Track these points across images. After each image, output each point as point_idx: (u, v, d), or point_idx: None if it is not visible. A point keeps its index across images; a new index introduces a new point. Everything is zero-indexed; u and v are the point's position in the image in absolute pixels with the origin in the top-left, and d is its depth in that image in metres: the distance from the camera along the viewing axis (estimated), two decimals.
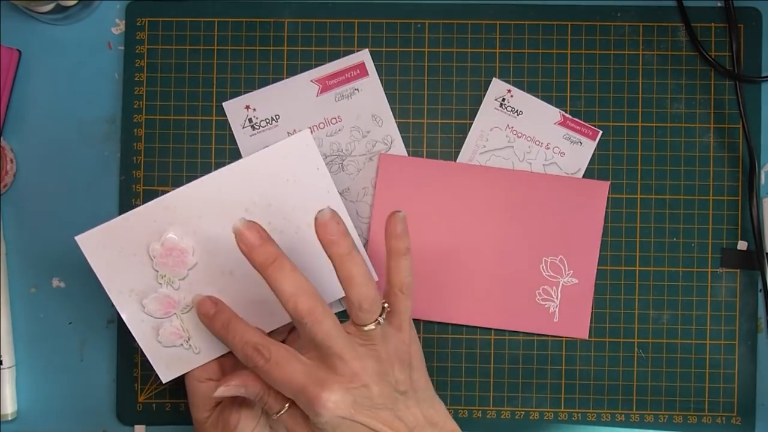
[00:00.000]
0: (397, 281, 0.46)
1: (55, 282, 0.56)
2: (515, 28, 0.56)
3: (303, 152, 0.50)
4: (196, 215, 0.49)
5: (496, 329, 0.56)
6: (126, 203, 0.56)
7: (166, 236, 0.49)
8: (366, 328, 0.44)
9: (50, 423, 0.56)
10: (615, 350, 0.55)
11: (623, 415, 0.55)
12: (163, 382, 0.50)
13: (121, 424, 0.56)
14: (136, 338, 0.50)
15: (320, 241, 0.44)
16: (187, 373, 0.51)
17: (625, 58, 0.56)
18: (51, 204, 0.56)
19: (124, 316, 0.49)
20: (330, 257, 0.44)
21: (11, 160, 0.56)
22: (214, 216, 0.49)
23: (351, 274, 0.43)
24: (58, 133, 0.57)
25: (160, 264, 0.49)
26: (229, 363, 0.51)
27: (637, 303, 0.56)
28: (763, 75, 0.56)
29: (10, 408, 0.55)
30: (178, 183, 0.56)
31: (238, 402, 0.48)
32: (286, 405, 0.46)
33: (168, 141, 0.56)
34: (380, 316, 0.45)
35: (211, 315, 0.48)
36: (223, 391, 0.45)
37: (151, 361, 0.50)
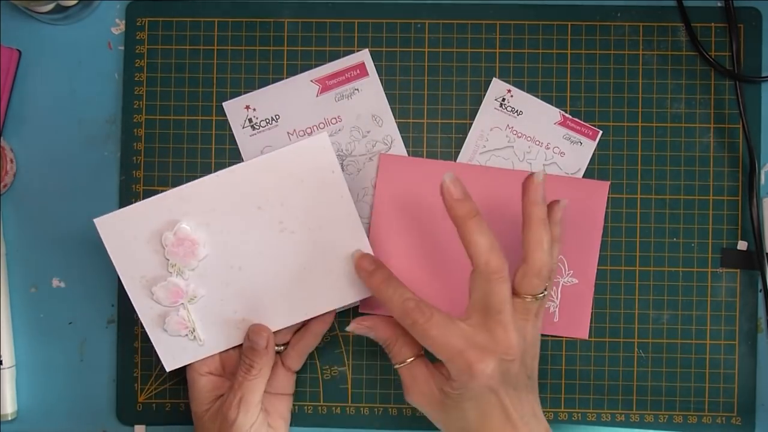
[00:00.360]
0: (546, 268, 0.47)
1: (55, 282, 0.57)
2: (515, 28, 0.56)
3: (319, 154, 0.50)
4: (210, 208, 0.50)
5: None
6: (126, 203, 0.56)
7: (179, 226, 0.50)
8: (528, 299, 0.46)
9: (50, 423, 0.56)
10: (615, 350, 0.55)
11: (623, 415, 0.55)
12: (167, 370, 0.51)
13: (121, 424, 0.56)
14: (143, 323, 0.51)
15: (525, 199, 0.46)
16: (188, 366, 0.52)
17: (625, 58, 0.56)
18: (51, 204, 0.56)
19: (133, 301, 0.50)
20: (527, 217, 0.46)
21: (11, 160, 0.56)
22: (227, 210, 0.50)
23: (541, 239, 0.45)
24: (58, 133, 0.57)
25: (171, 253, 0.50)
26: (231, 360, 0.52)
27: (637, 303, 0.56)
28: (763, 75, 0.56)
29: (10, 408, 0.55)
30: (178, 183, 0.56)
31: (238, 397, 0.49)
32: (410, 359, 0.48)
33: (168, 141, 0.56)
34: (544, 291, 0.46)
35: (370, 270, 0.49)
36: (353, 327, 0.49)
37: (156, 349, 0.51)
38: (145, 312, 0.51)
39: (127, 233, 0.50)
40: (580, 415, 0.56)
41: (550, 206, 0.48)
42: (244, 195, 0.50)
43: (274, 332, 0.51)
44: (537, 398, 0.48)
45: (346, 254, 0.51)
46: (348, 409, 0.56)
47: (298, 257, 0.51)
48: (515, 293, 0.46)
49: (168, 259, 0.50)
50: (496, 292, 0.45)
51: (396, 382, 0.56)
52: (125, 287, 0.50)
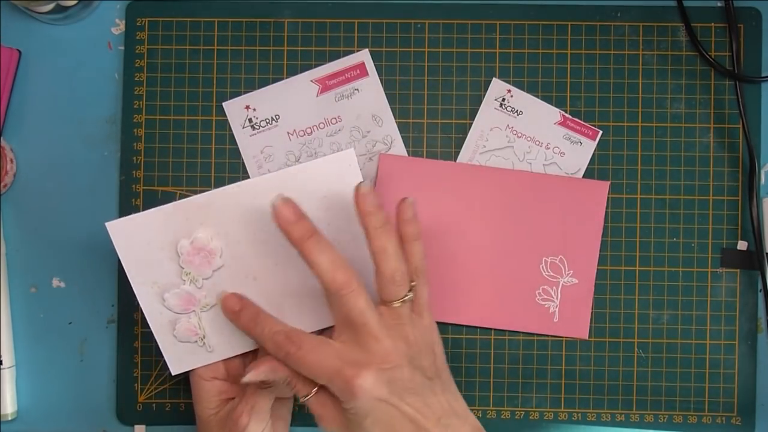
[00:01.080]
0: (411, 267, 0.47)
1: (55, 282, 0.57)
2: (515, 28, 0.56)
3: (344, 171, 0.50)
4: (228, 218, 0.49)
5: (496, 329, 0.56)
6: (126, 203, 0.56)
7: (196, 235, 0.49)
8: (396, 305, 0.45)
9: (50, 423, 0.56)
10: (615, 350, 0.55)
11: (623, 415, 0.55)
12: (173, 374, 0.51)
13: (121, 424, 0.56)
14: (152, 329, 0.50)
15: (357, 212, 0.46)
16: (193, 371, 0.51)
17: (625, 58, 0.56)
18: (51, 204, 0.56)
19: (143, 306, 0.50)
20: (364, 228, 0.46)
21: (11, 160, 0.56)
22: (246, 222, 0.49)
23: (384, 247, 0.45)
24: (58, 133, 0.57)
25: (186, 262, 0.49)
26: (234, 365, 0.52)
27: (637, 303, 0.56)
28: (763, 75, 0.56)
29: (10, 408, 0.55)
30: (178, 183, 0.56)
31: (251, 405, 0.48)
32: (314, 390, 0.46)
33: (168, 141, 0.56)
34: (408, 293, 0.46)
35: (236, 310, 0.49)
36: (252, 376, 0.46)
37: (163, 353, 0.51)
38: (155, 317, 0.50)
39: (141, 239, 0.49)
40: (580, 415, 0.56)
41: (397, 206, 0.48)
42: (264, 207, 0.49)
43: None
44: (455, 396, 0.47)
45: (361, 267, 0.48)
46: None
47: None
48: (381, 302, 0.46)
49: (182, 268, 0.49)
50: (352, 306, 0.44)
51: None
52: (135, 292, 0.49)
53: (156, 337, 0.50)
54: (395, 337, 0.45)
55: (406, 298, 0.46)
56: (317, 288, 0.47)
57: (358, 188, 0.46)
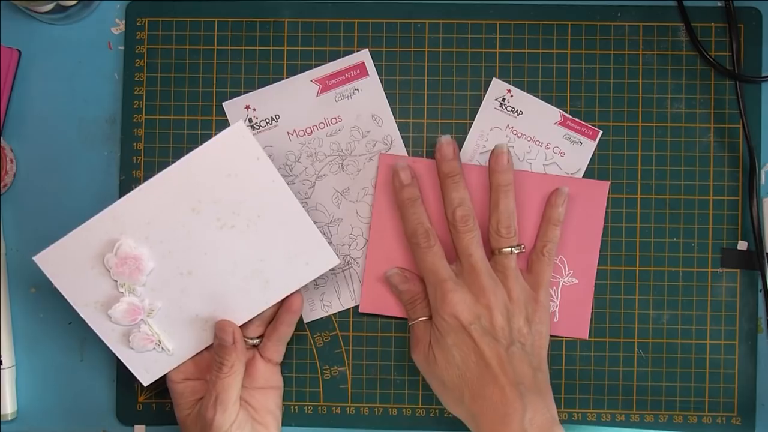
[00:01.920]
0: (540, 244, 0.53)
1: None
2: (515, 28, 0.56)
3: (240, 144, 0.49)
4: (144, 221, 0.50)
5: None
6: None
7: (119, 245, 0.49)
8: (504, 250, 0.51)
9: (50, 423, 0.56)
10: (615, 350, 0.55)
11: (623, 415, 0.55)
12: (144, 385, 0.52)
13: (121, 424, 0.56)
14: (109, 346, 0.51)
15: (490, 167, 0.52)
16: (166, 376, 0.52)
17: (625, 58, 0.56)
18: (51, 204, 0.56)
19: (94, 328, 0.51)
20: (491, 183, 0.52)
21: (11, 160, 0.56)
22: (162, 219, 0.50)
23: (498, 202, 0.52)
24: (58, 133, 0.57)
25: (117, 273, 0.50)
26: (205, 361, 0.52)
27: (637, 303, 0.55)
28: (763, 75, 0.56)
29: (10, 408, 0.55)
30: None
31: (214, 397, 0.49)
32: (423, 318, 0.52)
33: (168, 141, 0.56)
34: (515, 247, 0.51)
35: (405, 184, 0.53)
36: (394, 272, 0.53)
37: (129, 367, 0.52)
38: (108, 335, 0.51)
39: (70, 263, 0.50)
40: (580, 415, 0.56)
41: (550, 195, 0.54)
42: (175, 200, 0.50)
43: (243, 326, 0.51)
44: (549, 389, 0.50)
45: (292, 235, 0.51)
46: (348, 409, 0.56)
47: (244, 249, 0.51)
48: (491, 251, 0.52)
49: (116, 280, 0.50)
50: (462, 239, 0.51)
51: (396, 382, 0.56)
52: (82, 316, 0.50)
53: (116, 353, 0.51)
54: (496, 282, 0.51)
55: (513, 249, 0.51)
56: (252, 270, 0.51)
57: (496, 148, 0.53)
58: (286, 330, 0.53)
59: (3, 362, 0.55)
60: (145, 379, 0.52)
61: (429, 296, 0.52)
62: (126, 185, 0.56)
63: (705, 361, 0.55)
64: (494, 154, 0.53)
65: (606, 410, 0.56)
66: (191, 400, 0.51)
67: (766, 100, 0.56)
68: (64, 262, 0.50)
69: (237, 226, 0.50)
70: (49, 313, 0.56)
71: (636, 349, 0.55)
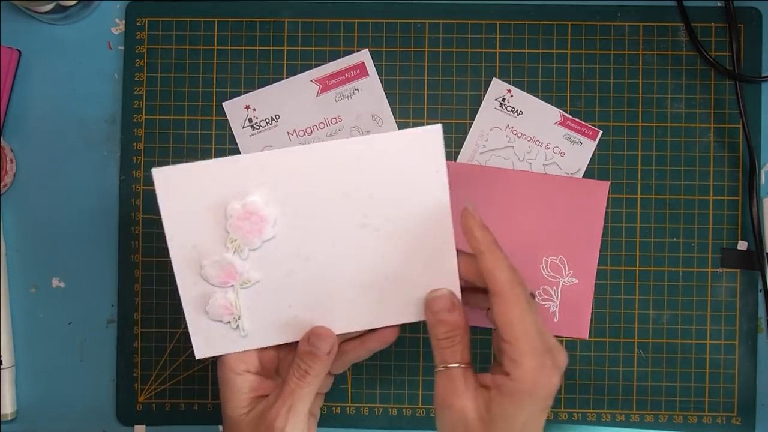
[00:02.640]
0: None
1: (55, 282, 0.56)
2: (515, 28, 0.56)
3: (426, 148, 0.43)
4: (289, 184, 0.43)
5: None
6: (126, 203, 0.56)
7: (250, 198, 0.43)
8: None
9: (50, 423, 0.56)
10: (615, 350, 0.55)
11: (623, 415, 0.55)
12: (197, 357, 0.46)
13: (121, 424, 0.56)
14: (182, 300, 0.44)
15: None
16: (221, 362, 0.46)
17: (625, 58, 0.56)
18: (51, 204, 0.56)
19: (177, 272, 0.44)
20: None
21: (11, 160, 0.56)
22: (309, 191, 0.43)
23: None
24: (58, 133, 0.57)
25: (234, 227, 0.43)
26: (269, 357, 0.47)
27: (637, 303, 0.55)
28: (763, 75, 0.56)
29: (10, 408, 0.55)
30: None
31: (288, 405, 0.44)
32: (458, 365, 0.42)
33: (168, 141, 0.56)
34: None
35: (484, 230, 0.43)
36: (443, 293, 0.44)
37: (189, 331, 0.45)
38: (188, 288, 0.44)
39: (188, 193, 0.42)
40: (580, 415, 0.56)
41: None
42: (331, 177, 0.43)
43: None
44: None
45: (429, 267, 0.44)
46: (348, 409, 0.56)
47: (376, 258, 0.44)
48: None
49: (229, 233, 0.43)
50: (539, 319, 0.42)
51: (396, 382, 0.56)
52: (171, 255, 0.43)
53: (185, 310, 0.45)
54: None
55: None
56: (373, 282, 0.44)
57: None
58: (364, 355, 0.48)
59: (3, 362, 0.55)
60: (201, 351, 0.45)
61: (498, 373, 0.41)
62: (126, 185, 0.56)
63: (705, 361, 0.55)
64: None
65: (606, 410, 0.56)
66: (248, 398, 0.45)
67: (766, 100, 0.56)
68: (183, 189, 0.43)
69: (381, 231, 0.44)
70: (49, 313, 0.56)
71: (636, 349, 0.55)
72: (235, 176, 0.43)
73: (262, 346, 0.45)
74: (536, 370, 0.39)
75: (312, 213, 0.43)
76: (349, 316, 0.45)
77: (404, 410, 0.56)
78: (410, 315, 0.45)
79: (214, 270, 0.44)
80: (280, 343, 0.45)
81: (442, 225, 0.44)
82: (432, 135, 0.43)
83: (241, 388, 0.45)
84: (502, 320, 0.40)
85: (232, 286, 0.44)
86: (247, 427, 0.44)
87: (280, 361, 0.47)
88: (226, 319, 0.44)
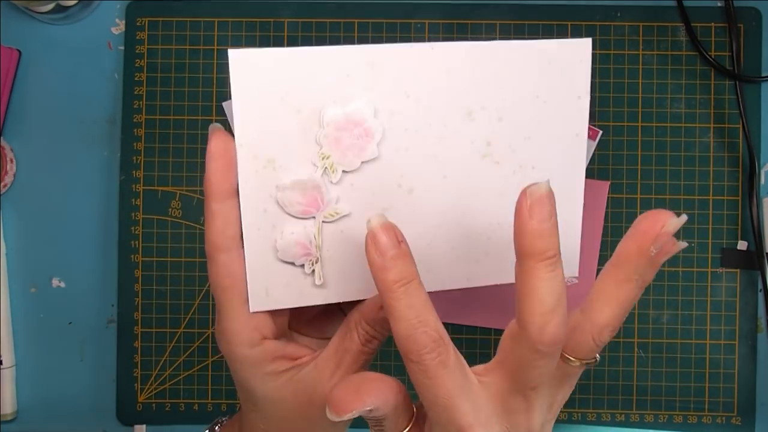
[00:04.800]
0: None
1: (55, 282, 0.56)
2: (515, 28, 0.56)
3: (573, 68, 0.34)
4: (403, 91, 0.33)
5: (496, 329, 0.55)
6: (126, 203, 0.56)
7: (356, 104, 0.32)
8: (575, 364, 0.33)
9: (50, 423, 0.56)
10: (615, 350, 0.55)
11: (623, 415, 0.55)
12: (251, 309, 0.34)
13: (121, 424, 0.56)
14: (244, 231, 0.33)
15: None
16: (226, 339, 0.34)
17: (625, 58, 0.56)
18: (51, 204, 0.56)
19: (242, 192, 0.32)
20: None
21: (11, 160, 0.56)
22: (426, 104, 0.33)
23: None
24: (58, 133, 0.57)
25: (330, 139, 0.32)
26: (281, 317, 0.36)
27: (637, 303, 0.55)
28: (763, 75, 0.56)
29: (10, 408, 0.55)
30: (178, 183, 0.56)
31: (351, 370, 0.34)
32: (407, 428, 0.32)
33: (168, 141, 0.56)
34: (595, 358, 0.34)
35: (389, 255, 0.30)
36: (350, 415, 0.30)
37: (247, 275, 0.33)
38: (255, 215, 0.33)
39: (274, 87, 0.32)
40: (579, 415, 0.56)
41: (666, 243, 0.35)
42: (456, 88, 0.33)
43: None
44: None
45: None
46: None
47: (491, 199, 0.35)
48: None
49: (320, 146, 0.33)
50: (540, 366, 0.30)
51: None
52: (238, 168, 0.32)
53: (246, 244, 0.33)
54: (545, 408, 0.32)
55: (592, 361, 0.33)
56: (483, 231, 0.35)
57: (658, 216, 0.33)
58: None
59: (3, 362, 0.55)
60: (261, 302, 0.34)
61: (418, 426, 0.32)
62: (126, 185, 0.56)
63: (705, 361, 0.55)
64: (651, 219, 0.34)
65: (606, 410, 0.56)
66: (273, 372, 0.34)
67: (766, 100, 0.56)
68: (267, 80, 0.32)
69: (503, 165, 0.35)
70: (49, 313, 0.56)
71: (636, 348, 0.55)
72: (337, 72, 0.32)
73: (338, 300, 0.35)
74: None
75: (425, 134, 0.33)
76: (448, 269, 0.35)
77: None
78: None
79: (295, 194, 0.33)
80: (363, 297, 0.35)
81: (576, 166, 0.35)
82: (587, 49, 0.34)
83: (264, 360, 0.34)
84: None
85: (314, 218, 0.33)
86: (286, 405, 0.35)
87: (294, 316, 0.37)
88: (300, 260, 0.34)
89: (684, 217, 0.33)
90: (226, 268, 0.33)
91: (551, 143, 0.35)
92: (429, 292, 0.31)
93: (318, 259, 0.34)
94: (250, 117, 0.32)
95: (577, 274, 0.37)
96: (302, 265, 0.34)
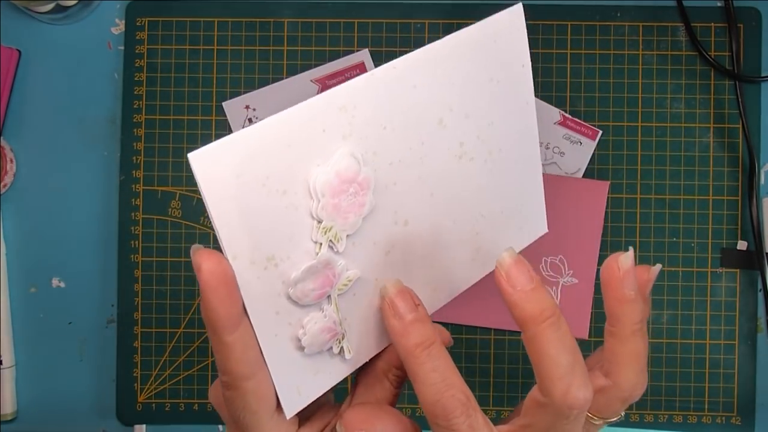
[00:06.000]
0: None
1: (55, 282, 0.57)
2: None
3: (511, 37, 0.33)
4: (380, 124, 0.30)
5: (496, 329, 0.56)
6: (126, 203, 0.56)
7: (343, 158, 0.28)
8: (598, 423, 0.33)
9: (50, 423, 0.56)
10: None
11: (623, 415, 0.55)
12: (288, 416, 0.31)
13: (121, 424, 0.56)
14: (263, 349, 0.29)
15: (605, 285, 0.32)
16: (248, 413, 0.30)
17: (625, 58, 0.56)
18: (51, 204, 0.56)
19: (250, 307, 0.28)
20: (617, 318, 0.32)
21: (11, 160, 0.56)
22: (401, 127, 0.30)
23: (637, 352, 0.33)
24: (58, 133, 0.57)
25: (328, 209, 0.29)
26: None
27: None
28: (762, 75, 0.56)
29: (10, 408, 0.55)
30: (178, 183, 0.56)
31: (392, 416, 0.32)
32: None
33: (168, 141, 0.56)
34: (620, 416, 0.34)
35: (408, 319, 0.30)
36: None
37: (275, 383, 0.30)
38: (268, 327, 0.29)
39: (250, 176, 0.27)
40: None
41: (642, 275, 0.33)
42: (422, 101, 0.31)
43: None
44: None
45: (517, 184, 0.35)
46: None
47: (473, 197, 0.34)
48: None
49: (320, 220, 0.29)
50: (567, 430, 0.30)
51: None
52: (239, 283, 0.28)
53: (268, 359, 0.29)
54: None
55: (615, 419, 0.34)
56: (470, 229, 0.34)
57: (616, 262, 0.32)
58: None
59: (3, 362, 0.55)
60: (293, 406, 0.31)
61: None
62: (126, 185, 0.56)
63: (705, 361, 0.55)
64: (611, 268, 0.32)
65: None
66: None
67: (766, 100, 0.56)
68: (240, 172, 0.27)
69: (476, 159, 0.33)
70: (49, 313, 0.56)
71: None
72: (310, 132, 0.28)
73: (365, 360, 0.33)
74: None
75: (408, 161, 0.31)
76: (448, 280, 0.34)
77: (404, 410, 0.56)
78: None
79: (309, 282, 0.29)
80: (382, 349, 0.34)
81: (529, 131, 0.35)
82: (518, 16, 0.33)
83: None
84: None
85: (329, 296, 0.30)
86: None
87: None
88: (328, 344, 0.31)
89: (630, 251, 0.31)
90: (255, 393, 0.30)
91: (508, 119, 0.34)
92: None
93: (344, 334, 0.32)
94: (234, 221, 0.27)
95: (546, 230, 0.37)
96: (330, 348, 0.31)
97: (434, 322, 0.32)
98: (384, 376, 0.34)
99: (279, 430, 0.31)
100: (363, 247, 0.31)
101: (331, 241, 0.29)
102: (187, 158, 0.26)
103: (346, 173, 0.28)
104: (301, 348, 0.30)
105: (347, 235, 0.30)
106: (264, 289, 0.28)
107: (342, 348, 0.32)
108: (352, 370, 0.33)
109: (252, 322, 0.28)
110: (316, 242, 0.29)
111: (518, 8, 0.32)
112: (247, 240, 0.27)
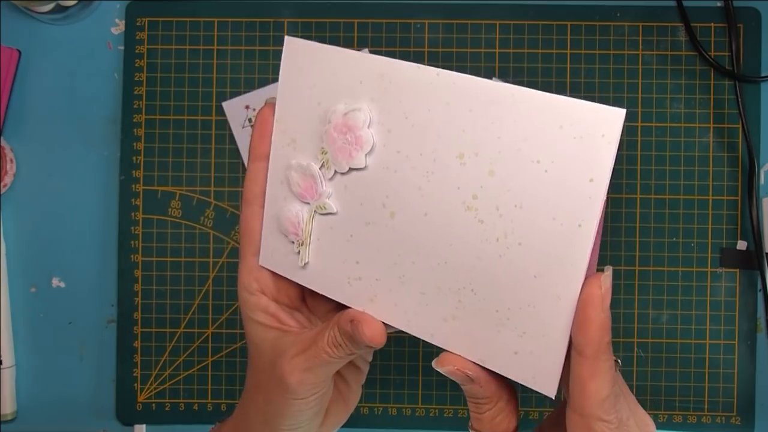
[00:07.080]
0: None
1: (55, 282, 0.57)
2: (515, 28, 0.56)
3: (591, 141, 0.28)
4: (403, 112, 0.33)
5: None
6: (126, 203, 0.56)
7: (355, 111, 0.34)
8: None
9: (50, 423, 0.56)
10: (615, 350, 0.55)
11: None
12: (260, 263, 0.38)
13: (120, 424, 0.56)
14: (266, 197, 0.37)
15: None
16: (238, 281, 0.39)
17: (625, 58, 0.56)
18: (51, 204, 0.56)
19: (271, 160, 0.37)
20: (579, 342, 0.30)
21: (11, 160, 0.56)
22: (421, 129, 0.32)
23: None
24: (58, 133, 0.57)
25: (328, 136, 0.35)
26: (291, 291, 0.39)
27: (636, 303, 0.56)
28: (762, 75, 0.56)
29: (10, 408, 0.55)
30: (178, 183, 0.56)
31: (308, 364, 0.36)
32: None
33: (168, 141, 0.56)
34: None
35: (607, 315, 0.31)
36: (448, 369, 0.33)
37: (262, 233, 0.38)
38: (274, 184, 0.37)
39: (309, 76, 0.35)
40: None
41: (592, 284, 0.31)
42: (452, 125, 0.31)
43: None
44: None
45: (532, 315, 0.31)
46: None
47: (469, 260, 0.32)
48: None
49: (322, 141, 0.35)
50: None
51: (396, 382, 0.56)
52: (273, 138, 0.37)
53: (266, 207, 0.37)
54: None
55: None
56: (452, 286, 0.32)
57: (596, 286, 0.30)
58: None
59: (3, 362, 0.55)
60: (264, 259, 0.38)
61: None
62: (126, 185, 0.56)
63: (704, 361, 0.55)
64: (590, 294, 0.30)
65: None
66: (265, 320, 0.38)
67: (766, 100, 0.56)
68: (306, 69, 0.35)
69: (486, 227, 0.31)
70: (49, 313, 0.57)
71: (635, 348, 0.55)
72: (353, 77, 0.34)
73: (314, 289, 0.37)
74: None
75: (415, 162, 0.32)
76: (415, 312, 0.34)
77: (404, 410, 0.56)
78: (478, 354, 0.33)
79: (298, 175, 0.36)
80: (333, 298, 0.36)
81: (569, 269, 0.30)
82: (608, 120, 0.28)
83: (255, 308, 0.38)
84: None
85: (308, 203, 0.36)
86: (264, 358, 0.38)
87: (308, 297, 0.40)
88: (291, 238, 0.36)
89: (609, 270, 0.32)
90: (247, 220, 0.38)
91: (546, 224, 0.30)
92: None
93: (303, 242, 0.36)
94: (289, 97, 0.36)
95: (552, 397, 0.33)
96: (293, 242, 0.37)
97: None
98: (331, 327, 0.36)
99: (251, 271, 0.38)
100: (351, 197, 0.35)
101: (324, 163, 0.35)
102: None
103: (349, 120, 0.34)
104: (277, 219, 0.37)
105: (339, 171, 0.35)
106: (282, 157, 0.36)
107: (298, 252, 0.36)
108: (307, 285, 0.37)
109: (269, 172, 0.37)
110: (317, 156, 0.35)
111: (618, 113, 0.28)
112: (288, 115, 0.36)
